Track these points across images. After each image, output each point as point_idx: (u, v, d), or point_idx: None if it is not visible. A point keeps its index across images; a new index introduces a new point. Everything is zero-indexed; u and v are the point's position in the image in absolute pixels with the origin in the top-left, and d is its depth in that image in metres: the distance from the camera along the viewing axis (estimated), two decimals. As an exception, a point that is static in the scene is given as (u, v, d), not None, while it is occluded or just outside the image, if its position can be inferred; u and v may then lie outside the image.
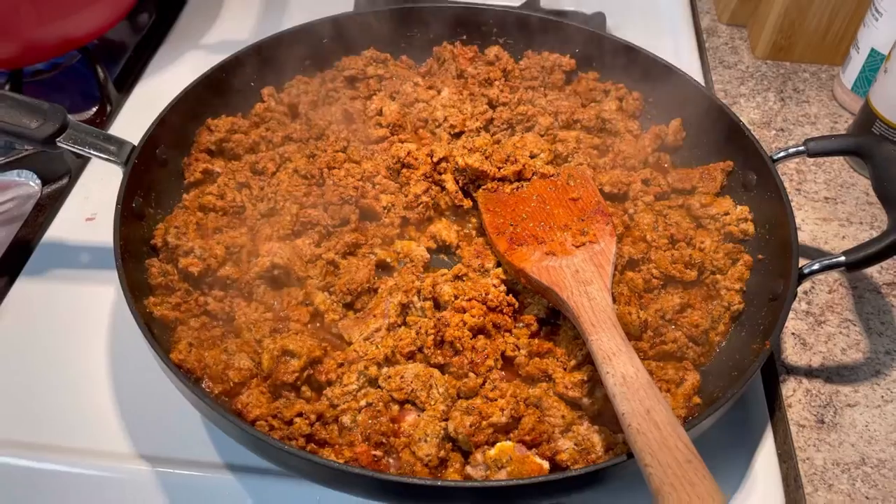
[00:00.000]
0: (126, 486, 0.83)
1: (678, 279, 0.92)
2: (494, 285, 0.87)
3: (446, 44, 1.20)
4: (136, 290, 0.83)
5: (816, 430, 0.85)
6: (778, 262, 0.89)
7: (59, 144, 0.89)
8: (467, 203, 1.00)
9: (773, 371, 0.92)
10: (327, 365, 0.81)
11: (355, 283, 0.88)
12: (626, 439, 0.64)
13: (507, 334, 0.85)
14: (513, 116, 1.10)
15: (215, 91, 1.06)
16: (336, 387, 0.79)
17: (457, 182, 1.00)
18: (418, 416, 0.78)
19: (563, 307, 0.81)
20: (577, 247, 0.87)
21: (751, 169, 0.99)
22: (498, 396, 0.78)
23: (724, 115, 1.03)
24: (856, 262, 0.82)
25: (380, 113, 1.10)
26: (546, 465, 0.74)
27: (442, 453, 0.74)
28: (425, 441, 0.74)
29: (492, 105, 1.13)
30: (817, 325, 0.96)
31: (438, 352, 0.81)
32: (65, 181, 1.15)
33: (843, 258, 0.82)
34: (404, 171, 1.01)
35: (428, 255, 0.94)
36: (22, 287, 1.00)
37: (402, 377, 0.79)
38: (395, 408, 0.78)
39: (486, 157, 1.00)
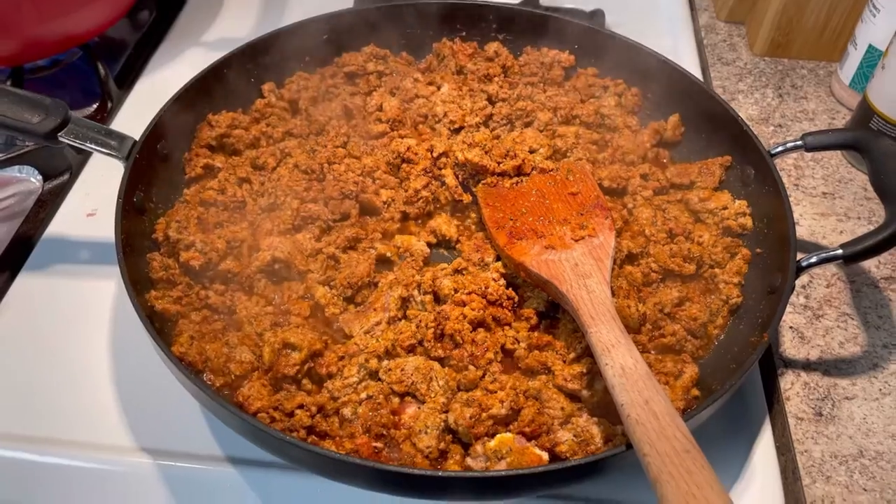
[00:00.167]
0: (128, 478, 0.83)
1: (677, 273, 0.93)
2: (494, 279, 0.88)
3: (446, 40, 1.21)
4: (138, 284, 0.83)
5: (814, 423, 0.86)
6: (776, 255, 0.89)
7: (60, 139, 0.89)
8: (467, 198, 1.01)
9: (772, 364, 0.92)
10: (328, 358, 0.81)
11: (356, 277, 0.89)
12: (625, 430, 0.64)
13: (506, 327, 0.86)
14: (512, 112, 1.11)
15: (216, 87, 1.07)
16: (337, 379, 0.80)
17: (456, 177, 1.01)
18: (419, 408, 0.78)
19: (562, 300, 0.82)
20: (577, 241, 0.87)
21: (749, 164, 0.99)
22: (498, 389, 0.79)
23: (722, 110, 1.03)
24: (853, 255, 0.82)
25: (380, 109, 1.11)
26: (545, 456, 0.74)
27: (442, 445, 0.75)
28: (426, 433, 0.75)
29: (491, 101, 1.13)
30: (815, 319, 0.96)
31: (438, 345, 0.82)
32: (66, 177, 1.15)
33: (840, 251, 0.82)
34: (404, 166, 1.02)
35: (428, 250, 0.95)
36: (23, 282, 1.01)
37: (402, 370, 0.80)
38: (396, 400, 0.79)
39: (486, 152, 1.01)
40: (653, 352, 0.85)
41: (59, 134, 0.89)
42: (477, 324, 0.84)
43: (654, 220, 0.97)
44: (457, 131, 1.08)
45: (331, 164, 1.01)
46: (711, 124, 1.06)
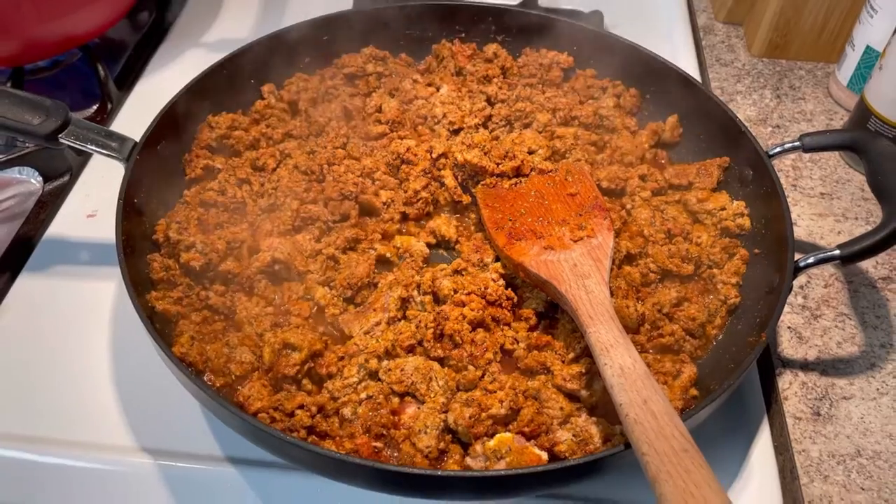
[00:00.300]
0: (128, 478, 0.84)
1: (675, 273, 0.93)
2: (493, 279, 0.88)
3: (445, 41, 1.21)
4: (138, 284, 0.83)
5: (812, 423, 0.86)
6: (774, 256, 0.89)
7: (61, 141, 0.90)
8: (466, 199, 1.01)
9: (770, 364, 0.93)
10: (328, 358, 0.82)
11: (355, 278, 0.89)
12: (624, 429, 0.65)
13: (505, 328, 0.86)
14: (511, 113, 1.11)
15: (215, 88, 1.07)
16: (337, 380, 0.80)
17: (456, 178, 1.01)
18: (418, 408, 0.78)
19: (561, 300, 0.82)
20: (576, 241, 0.88)
21: (747, 164, 1.00)
22: (497, 389, 0.79)
23: (720, 111, 1.04)
24: (850, 256, 0.82)
25: (379, 110, 1.11)
26: (545, 455, 0.74)
27: (442, 445, 0.75)
28: (425, 433, 0.75)
29: (490, 102, 1.14)
30: (813, 319, 0.97)
31: (438, 345, 0.82)
32: (66, 178, 1.16)
33: (837, 252, 0.83)
34: (404, 167, 1.02)
35: (427, 250, 0.95)
36: (24, 284, 1.01)
37: (402, 370, 0.80)
38: (396, 400, 0.79)
39: (485, 153, 1.01)
40: (651, 352, 0.86)
41: (60, 135, 0.89)
42: (476, 324, 0.84)
43: (652, 221, 0.98)
44: (456, 132, 1.08)
45: (330, 165, 1.01)
46: (709, 125, 1.06)
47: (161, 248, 0.92)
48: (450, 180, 1.00)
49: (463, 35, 1.23)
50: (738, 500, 0.81)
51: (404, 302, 0.87)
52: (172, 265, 0.89)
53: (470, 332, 0.83)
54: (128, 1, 1.29)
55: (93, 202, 1.11)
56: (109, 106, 1.28)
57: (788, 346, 0.94)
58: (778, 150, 0.96)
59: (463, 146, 1.02)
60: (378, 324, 0.85)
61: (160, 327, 0.83)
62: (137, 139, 0.93)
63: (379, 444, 0.76)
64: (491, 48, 1.20)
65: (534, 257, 0.87)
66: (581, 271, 0.83)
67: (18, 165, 1.14)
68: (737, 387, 0.75)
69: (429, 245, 0.96)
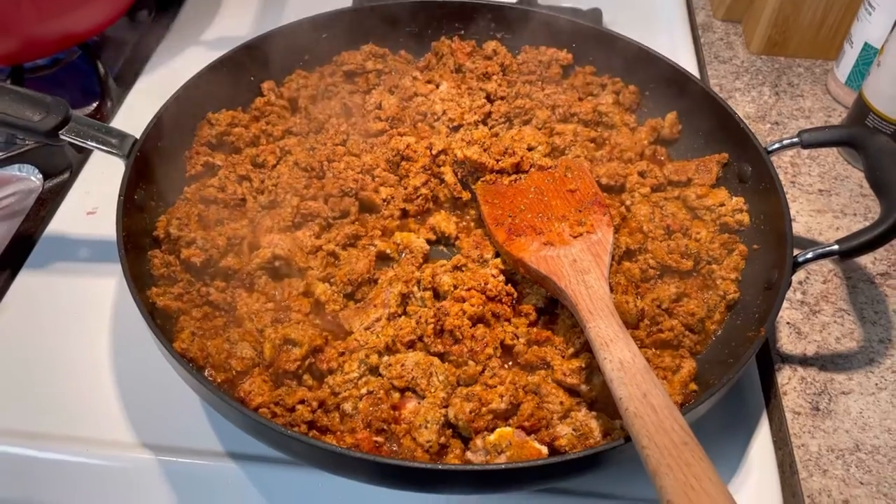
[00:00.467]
0: (129, 474, 0.84)
1: (674, 269, 0.93)
2: (493, 275, 0.88)
3: (444, 39, 1.21)
4: (139, 280, 0.83)
5: (811, 418, 0.87)
6: (773, 251, 0.90)
7: (61, 137, 0.90)
8: (466, 195, 1.01)
9: (769, 360, 0.93)
10: (328, 353, 0.82)
11: (355, 274, 0.89)
12: (624, 423, 0.65)
13: (505, 323, 0.86)
14: (511, 110, 1.12)
15: (215, 85, 1.07)
16: (337, 375, 0.80)
17: (455, 174, 1.01)
18: (419, 403, 0.79)
19: (561, 296, 0.82)
20: (575, 237, 0.88)
21: (746, 160, 1.00)
22: (497, 383, 0.79)
23: (719, 107, 1.04)
24: (849, 251, 0.83)
25: (379, 107, 1.11)
26: (545, 450, 0.75)
27: (442, 439, 0.75)
28: (426, 427, 0.75)
29: (490, 99, 1.14)
30: (812, 315, 0.97)
31: (438, 340, 0.82)
32: (66, 175, 1.16)
33: (836, 247, 0.83)
34: (403, 163, 1.02)
35: (427, 247, 0.95)
36: (24, 280, 1.01)
37: (402, 365, 0.80)
38: (396, 395, 0.79)
39: (485, 150, 1.01)
40: (651, 347, 0.86)
41: (60, 132, 0.89)
42: (476, 319, 0.84)
43: (651, 217, 0.98)
44: (456, 129, 1.08)
45: (330, 162, 1.02)
46: (709, 122, 1.07)
47: (162, 244, 0.92)
48: (449, 177, 1.01)
49: (462, 32, 1.23)
50: (738, 494, 0.82)
51: (404, 298, 0.87)
52: (173, 261, 0.90)
53: (470, 327, 0.83)
54: (127, -1, 1.29)
55: (93, 199, 1.11)
56: (109, 104, 1.28)
57: (787, 342, 0.94)
58: (777, 146, 0.96)
59: (462, 143, 1.02)
60: (378, 319, 0.86)
61: (161, 323, 0.83)
62: (138, 135, 0.93)
63: (380, 439, 0.76)
64: (490, 45, 1.20)
65: (533, 253, 0.87)
66: (581, 267, 0.83)
67: (18, 163, 1.14)
68: (736, 381, 0.76)
69: (429, 241, 0.96)
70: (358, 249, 0.94)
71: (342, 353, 0.82)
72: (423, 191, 0.99)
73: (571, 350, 0.83)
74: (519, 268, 0.89)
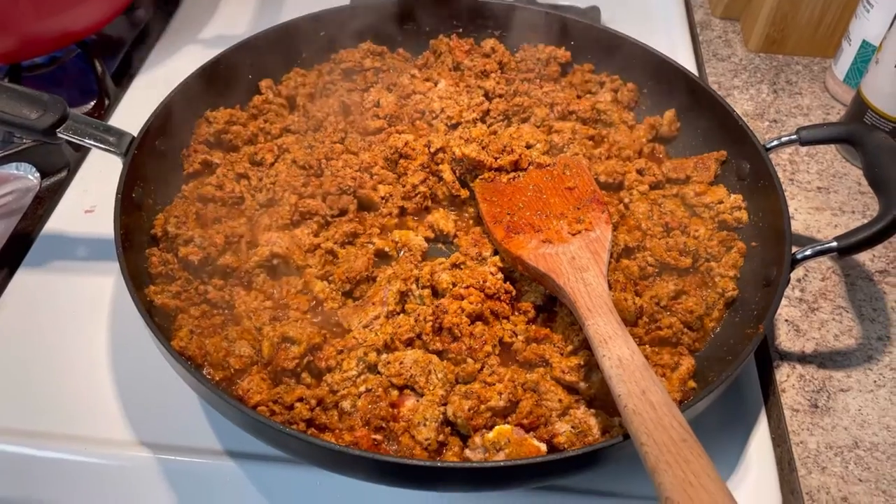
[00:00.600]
0: (127, 473, 0.84)
1: (673, 266, 0.93)
2: (492, 273, 0.88)
3: (442, 36, 1.21)
4: (137, 279, 0.83)
5: (810, 415, 0.87)
6: (771, 248, 0.90)
7: (59, 135, 0.89)
8: (464, 193, 1.01)
9: (768, 357, 0.93)
10: (327, 351, 0.82)
11: (354, 272, 0.89)
12: (623, 420, 0.65)
13: (504, 321, 0.86)
14: (509, 108, 1.12)
15: (213, 83, 1.07)
16: (336, 373, 0.80)
17: (454, 172, 1.01)
18: (417, 401, 0.79)
19: (559, 293, 0.82)
20: (574, 234, 0.88)
21: (744, 158, 1.00)
22: (496, 381, 0.79)
23: (717, 105, 1.04)
24: (847, 248, 0.83)
25: (377, 105, 1.11)
26: (543, 447, 0.75)
27: (441, 437, 0.75)
28: (424, 425, 0.75)
29: (488, 97, 1.14)
30: (810, 312, 0.97)
31: (437, 338, 0.82)
32: (64, 174, 1.15)
33: (834, 244, 0.83)
34: (402, 161, 1.02)
35: (426, 244, 0.95)
36: (22, 279, 1.01)
37: (401, 363, 0.80)
38: (395, 393, 0.79)
39: (483, 148, 1.01)
40: (649, 344, 0.86)
41: (58, 130, 0.89)
42: (475, 317, 0.84)
43: (650, 215, 0.98)
44: (454, 127, 1.08)
45: (328, 160, 1.01)
46: (707, 119, 1.07)
47: (159, 242, 0.92)
48: (448, 175, 1.01)
49: (460, 30, 1.23)
50: (737, 491, 0.81)
51: (403, 296, 0.87)
52: (171, 259, 0.89)
53: (469, 325, 0.83)
54: (125, -3, 1.29)
55: (91, 197, 1.11)
56: (107, 102, 1.28)
57: (786, 339, 0.94)
58: (775, 143, 0.96)
59: (461, 140, 1.02)
60: (377, 317, 0.85)
61: (159, 321, 0.83)
62: (136, 133, 0.93)
63: (378, 437, 0.76)
64: (488, 43, 1.20)
65: (532, 251, 0.87)
66: (579, 264, 0.83)
67: (16, 161, 1.14)
68: (735, 379, 0.76)
69: (427, 239, 0.96)
70: (356, 247, 0.94)
71: (341, 351, 0.82)
72: (422, 189, 0.99)
73: (570, 347, 0.83)
74: (517, 265, 0.89)
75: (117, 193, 0.87)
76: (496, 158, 1.00)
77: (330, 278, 0.90)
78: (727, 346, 0.86)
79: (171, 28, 1.46)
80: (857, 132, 0.92)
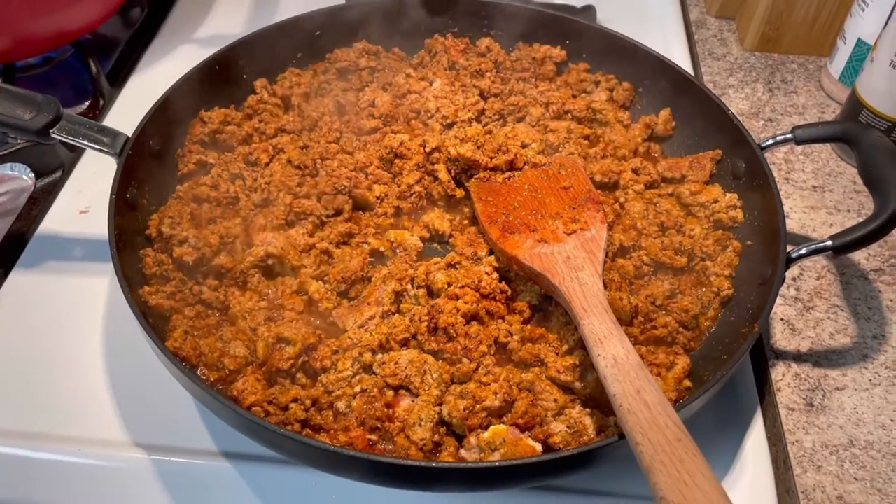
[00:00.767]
0: (122, 474, 0.83)
1: (668, 266, 0.93)
2: (487, 273, 0.88)
3: (437, 36, 1.21)
4: (131, 279, 0.83)
5: (805, 413, 0.87)
6: (766, 247, 0.90)
7: (52, 136, 0.89)
8: (460, 192, 1.01)
9: (763, 356, 0.93)
10: (322, 352, 0.82)
11: (349, 272, 0.89)
12: (618, 420, 0.65)
13: (499, 321, 0.86)
14: (504, 107, 1.11)
15: (208, 83, 1.07)
16: (331, 373, 0.80)
17: (449, 172, 1.01)
18: (412, 401, 0.78)
19: (554, 293, 0.82)
20: (569, 234, 0.88)
21: (740, 157, 1.00)
22: (491, 381, 0.79)
23: (712, 104, 1.04)
24: (842, 247, 0.83)
25: (372, 104, 1.11)
26: (539, 447, 0.74)
27: (436, 437, 0.75)
28: (420, 425, 0.75)
29: (483, 96, 1.14)
30: (806, 311, 0.97)
31: (432, 338, 0.82)
32: (58, 174, 1.15)
33: (829, 242, 0.83)
34: (397, 161, 1.02)
35: (421, 244, 0.95)
36: (16, 279, 1.01)
37: (396, 363, 0.80)
38: (390, 393, 0.79)
39: (478, 147, 1.01)
40: (645, 344, 0.86)
41: (52, 130, 0.89)
42: (470, 317, 0.84)
43: (645, 214, 0.98)
44: (449, 126, 1.08)
45: (323, 160, 1.01)
46: (702, 118, 1.07)
47: (154, 242, 0.92)
48: (443, 174, 1.00)
49: (455, 29, 1.23)
50: (732, 490, 0.82)
51: (398, 295, 0.87)
52: (165, 260, 0.89)
53: (464, 325, 0.83)
54: (119, -4, 1.29)
55: (85, 198, 1.11)
56: (101, 102, 1.27)
57: (781, 338, 0.94)
58: (770, 142, 0.96)
59: (456, 140, 1.02)
60: (372, 317, 0.85)
61: (153, 322, 0.82)
62: (130, 133, 0.93)
63: (373, 437, 0.75)
64: (484, 42, 1.20)
65: (527, 250, 0.87)
66: (575, 264, 0.83)
67: (10, 162, 1.14)
68: (730, 378, 0.76)
69: (422, 239, 0.96)
70: (351, 247, 0.94)
71: (336, 352, 0.82)
72: (417, 188, 0.99)
73: (565, 347, 0.83)
74: (513, 265, 0.89)
75: (112, 194, 0.87)
76: (491, 158, 1.00)
77: (325, 278, 0.90)
78: (722, 345, 0.86)
79: (165, 28, 1.45)
80: (852, 131, 0.92)
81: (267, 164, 1.01)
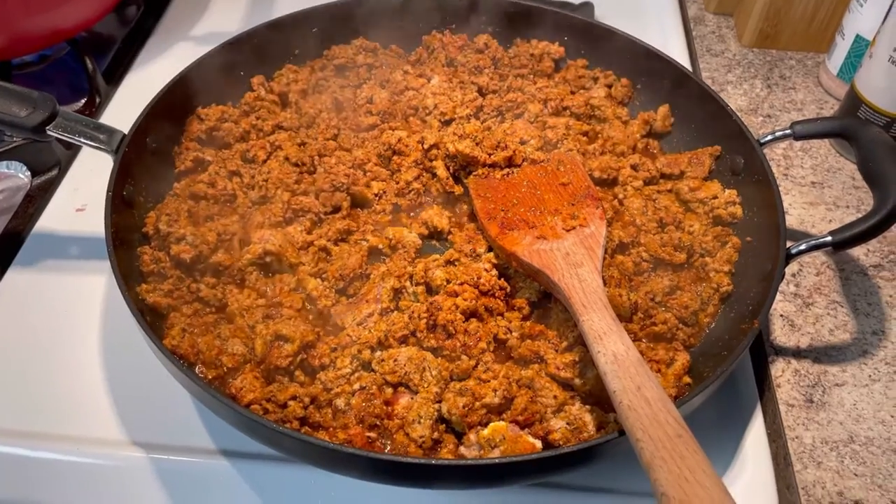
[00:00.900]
0: (120, 473, 0.83)
1: (668, 262, 0.93)
2: (486, 269, 0.88)
3: (435, 32, 1.21)
4: (128, 277, 0.83)
5: (805, 410, 0.86)
6: (766, 243, 0.89)
7: (48, 133, 0.89)
8: (458, 189, 1.01)
9: (762, 352, 0.93)
10: (320, 349, 0.81)
11: (347, 269, 0.89)
12: (618, 416, 0.64)
13: (499, 317, 0.86)
14: (502, 104, 1.11)
15: (205, 80, 1.06)
16: (330, 371, 0.80)
17: (448, 168, 1.01)
18: (412, 398, 0.78)
19: (554, 290, 0.82)
20: (568, 230, 0.87)
21: (738, 153, 1.00)
22: (490, 378, 0.79)
23: (711, 99, 1.04)
24: (842, 242, 0.83)
25: (370, 101, 1.11)
26: (539, 444, 0.74)
27: (435, 434, 0.75)
28: (419, 423, 0.75)
29: (481, 92, 1.13)
30: (805, 307, 0.97)
31: (431, 335, 0.82)
32: (54, 172, 1.15)
33: (829, 238, 0.83)
34: (395, 158, 1.02)
35: (420, 241, 0.94)
36: (13, 278, 1.00)
37: (395, 360, 0.80)
38: (389, 391, 0.79)
39: (477, 144, 1.01)
40: (644, 340, 0.86)
41: (48, 127, 0.89)
42: (469, 314, 0.84)
43: (644, 210, 0.98)
44: (447, 123, 1.08)
45: (321, 157, 1.01)
46: (701, 114, 1.06)
47: (151, 240, 0.92)
48: (442, 171, 1.00)
49: (453, 26, 1.23)
50: (733, 486, 0.81)
51: (397, 293, 0.87)
52: (163, 257, 0.89)
53: (463, 322, 0.82)
54: (115, -6, 1.28)
55: (82, 196, 1.10)
56: (98, 100, 1.27)
57: (781, 334, 0.94)
58: (769, 137, 0.96)
59: (454, 137, 1.02)
60: (371, 315, 0.85)
61: (151, 320, 0.82)
62: (126, 131, 0.92)
63: (372, 435, 0.75)
64: (482, 39, 1.20)
65: (526, 247, 0.86)
66: (574, 260, 0.83)
67: (6, 160, 1.14)
68: (730, 374, 0.75)
69: (421, 236, 0.95)
70: (350, 245, 0.93)
71: (334, 349, 0.82)
72: (415, 185, 0.99)
73: (565, 344, 0.83)
74: (512, 262, 0.88)
75: (108, 191, 0.86)
76: (490, 154, 1.00)
77: (323, 276, 0.89)
78: (722, 341, 0.86)
79: (162, 25, 1.45)
80: (851, 126, 0.92)
81: (264, 161, 1.01)
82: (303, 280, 0.89)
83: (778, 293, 0.83)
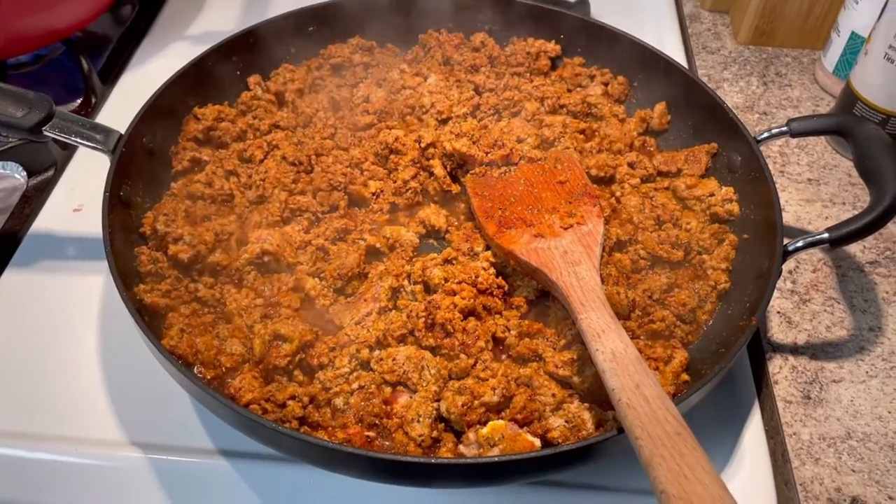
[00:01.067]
0: (119, 473, 0.83)
1: (665, 259, 0.93)
2: (484, 268, 0.88)
3: (432, 31, 1.21)
4: (126, 277, 0.83)
5: (803, 406, 0.87)
6: (763, 240, 0.90)
7: (45, 133, 0.89)
8: (455, 188, 1.01)
9: (760, 349, 0.93)
10: (319, 349, 0.81)
11: (345, 269, 0.89)
12: (617, 414, 0.64)
13: (497, 316, 0.86)
14: (499, 102, 1.11)
15: (201, 80, 1.07)
16: (328, 370, 0.80)
17: (445, 167, 1.01)
18: (410, 397, 0.78)
19: (552, 288, 0.82)
20: (566, 228, 0.88)
21: (735, 150, 1.00)
22: (489, 376, 0.79)
23: (707, 97, 1.04)
24: (838, 239, 0.83)
25: (366, 100, 1.11)
26: (538, 442, 0.74)
27: (434, 433, 0.75)
28: (418, 421, 0.75)
29: (478, 91, 1.13)
30: (802, 304, 0.97)
31: (430, 334, 0.82)
32: (51, 173, 1.14)
33: (826, 235, 0.83)
34: (392, 157, 1.02)
35: (417, 240, 0.94)
36: (9, 279, 1.00)
37: (393, 359, 0.80)
38: (388, 390, 0.79)
39: (474, 142, 1.01)
40: (642, 338, 0.86)
41: (44, 128, 0.88)
42: (467, 313, 0.84)
43: (641, 208, 0.98)
44: (444, 122, 1.08)
45: (318, 156, 1.01)
46: (697, 112, 1.07)
47: (148, 240, 0.91)
48: (439, 170, 1.00)
49: (450, 24, 1.22)
50: (731, 483, 0.81)
51: (395, 292, 0.87)
52: (160, 258, 0.89)
53: (461, 320, 0.82)
54: (110, -7, 1.28)
55: (78, 196, 1.10)
56: (94, 100, 1.27)
57: (778, 331, 0.94)
58: (766, 135, 0.96)
59: (451, 135, 1.02)
60: (369, 314, 0.85)
61: (149, 320, 0.82)
62: (123, 131, 0.92)
63: (371, 434, 0.75)
64: (478, 37, 1.20)
65: (524, 245, 0.86)
66: (572, 258, 0.83)
67: (2, 160, 1.13)
68: (728, 371, 0.76)
69: (418, 235, 0.96)
70: (347, 244, 0.93)
71: (333, 349, 0.82)
72: (413, 184, 0.99)
73: (563, 342, 0.83)
74: (510, 260, 0.88)
75: (105, 192, 0.86)
76: (487, 153, 1.00)
77: (321, 275, 0.89)
78: (720, 338, 0.86)
79: (157, 25, 1.44)
80: (847, 123, 0.92)
81: (261, 161, 1.01)
82: (301, 279, 0.89)
83: (775, 290, 0.83)
